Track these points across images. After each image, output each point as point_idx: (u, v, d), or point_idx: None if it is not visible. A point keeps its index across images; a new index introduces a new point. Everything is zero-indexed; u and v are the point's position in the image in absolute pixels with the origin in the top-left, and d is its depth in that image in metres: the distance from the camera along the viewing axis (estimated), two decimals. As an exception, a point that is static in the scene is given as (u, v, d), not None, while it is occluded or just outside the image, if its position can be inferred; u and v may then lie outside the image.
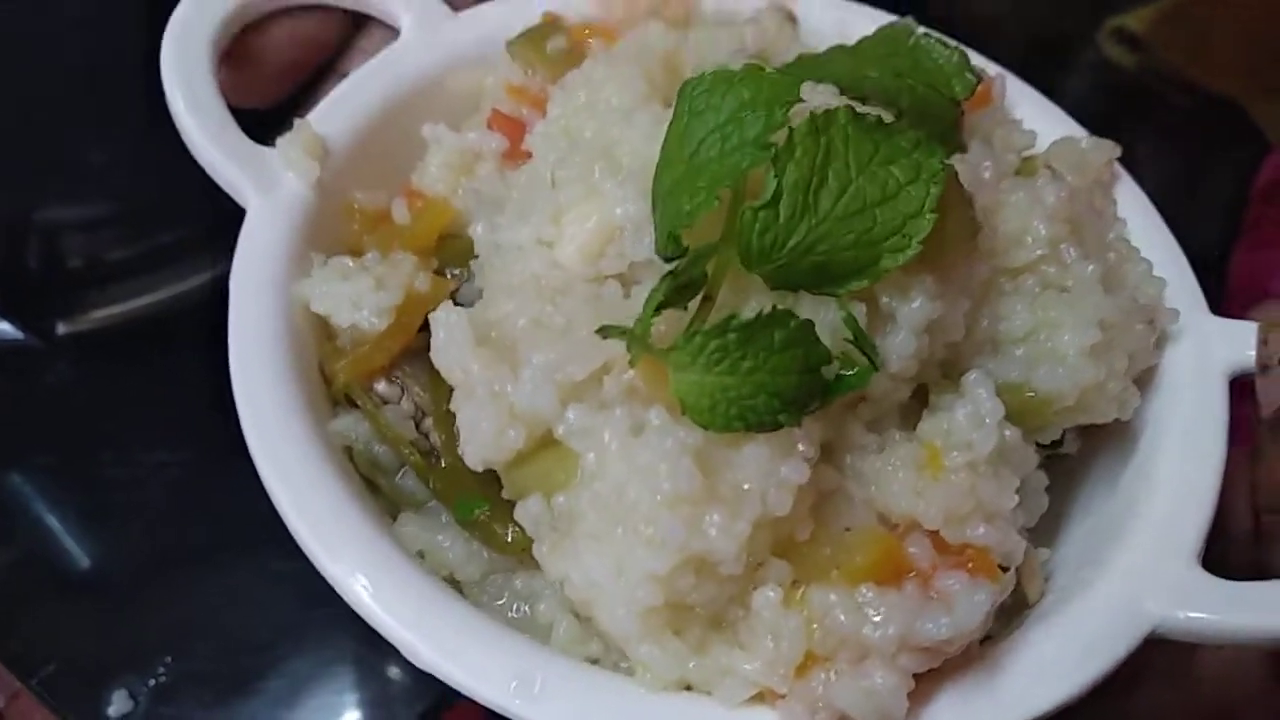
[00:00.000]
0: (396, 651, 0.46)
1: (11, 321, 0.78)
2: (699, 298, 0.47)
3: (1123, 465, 0.57)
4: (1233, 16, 1.30)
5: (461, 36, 0.68)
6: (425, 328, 0.57)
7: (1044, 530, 0.57)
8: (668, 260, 0.47)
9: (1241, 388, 0.59)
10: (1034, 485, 0.54)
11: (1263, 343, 0.58)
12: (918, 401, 0.52)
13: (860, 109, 0.53)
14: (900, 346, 0.48)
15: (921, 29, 0.70)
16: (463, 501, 0.50)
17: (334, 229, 0.61)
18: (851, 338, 0.47)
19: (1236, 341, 0.58)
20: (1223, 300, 1.02)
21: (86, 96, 0.74)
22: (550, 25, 0.67)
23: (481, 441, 0.46)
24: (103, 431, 0.77)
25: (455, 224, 0.62)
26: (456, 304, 0.58)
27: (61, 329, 0.79)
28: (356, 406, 0.55)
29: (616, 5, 0.70)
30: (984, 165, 0.57)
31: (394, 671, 0.72)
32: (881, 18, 0.73)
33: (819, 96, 0.54)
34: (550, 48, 0.66)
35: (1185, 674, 0.62)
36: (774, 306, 0.44)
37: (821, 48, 0.72)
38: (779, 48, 0.68)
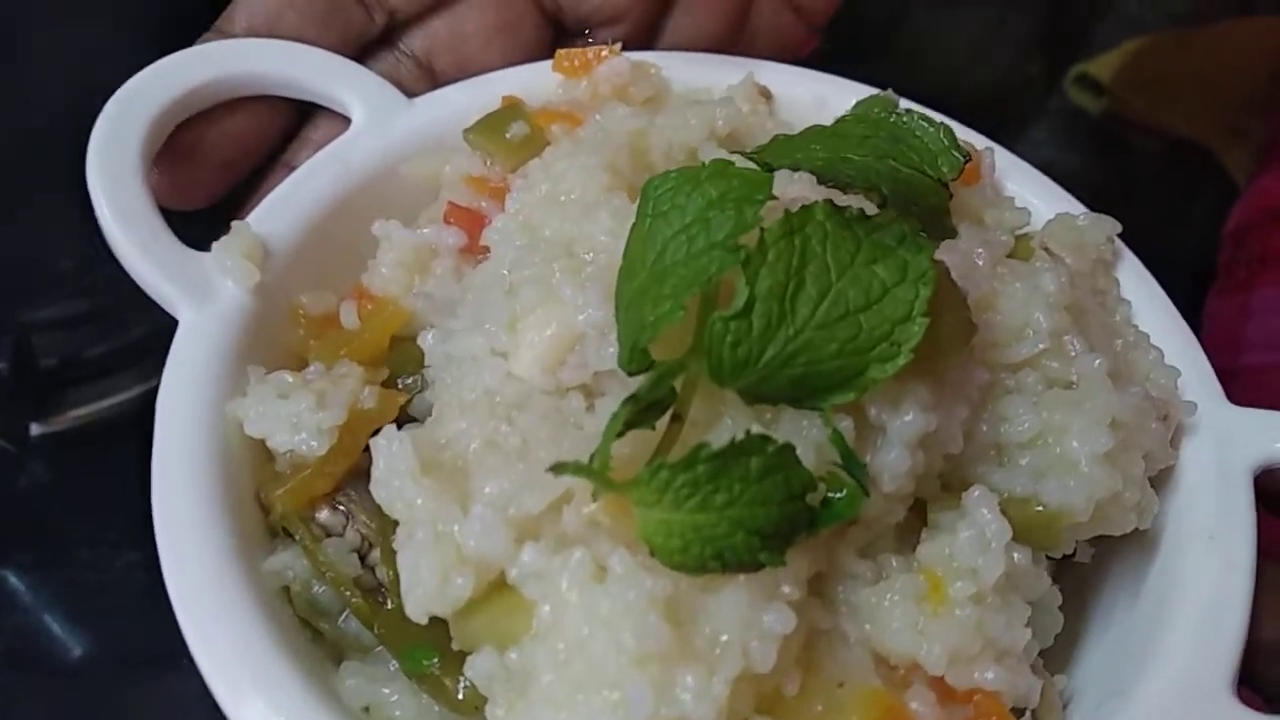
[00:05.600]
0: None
1: None
2: (668, 416, 0.42)
3: (1142, 574, 0.52)
4: (1195, 61, 1.31)
5: (417, 123, 0.64)
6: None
7: (1059, 650, 0.51)
8: (632, 375, 0.42)
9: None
10: (1047, 604, 0.48)
11: None
12: (917, 516, 0.47)
13: (840, 200, 0.49)
14: (893, 464, 0.43)
15: (904, 104, 0.67)
16: (410, 651, 0.45)
17: (277, 336, 0.56)
18: (839, 460, 0.42)
19: (1260, 433, 0.53)
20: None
21: (56, 194, 0.72)
22: (510, 110, 0.63)
23: (425, 590, 0.41)
24: (77, 531, 0.77)
25: (408, 327, 0.57)
26: (409, 418, 0.54)
27: (35, 430, 0.78)
28: (296, 539, 0.50)
29: (581, 87, 0.66)
30: (977, 252, 0.53)
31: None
32: (862, 90, 0.69)
33: (795, 188, 0.50)
34: (510, 135, 0.62)
35: None
36: (748, 432, 0.39)
37: (799, 126, 0.69)
38: (753, 129, 0.64)
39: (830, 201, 0.44)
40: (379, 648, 0.48)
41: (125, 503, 0.69)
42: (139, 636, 0.71)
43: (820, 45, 0.83)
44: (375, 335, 0.56)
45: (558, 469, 0.39)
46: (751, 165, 0.52)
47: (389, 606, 0.47)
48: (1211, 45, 1.32)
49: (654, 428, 0.42)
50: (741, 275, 0.41)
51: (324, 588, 0.48)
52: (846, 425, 0.43)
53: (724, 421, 0.43)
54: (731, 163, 0.45)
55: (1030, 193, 0.64)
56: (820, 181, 0.51)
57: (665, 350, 0.43)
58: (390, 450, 0.45)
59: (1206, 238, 1.18)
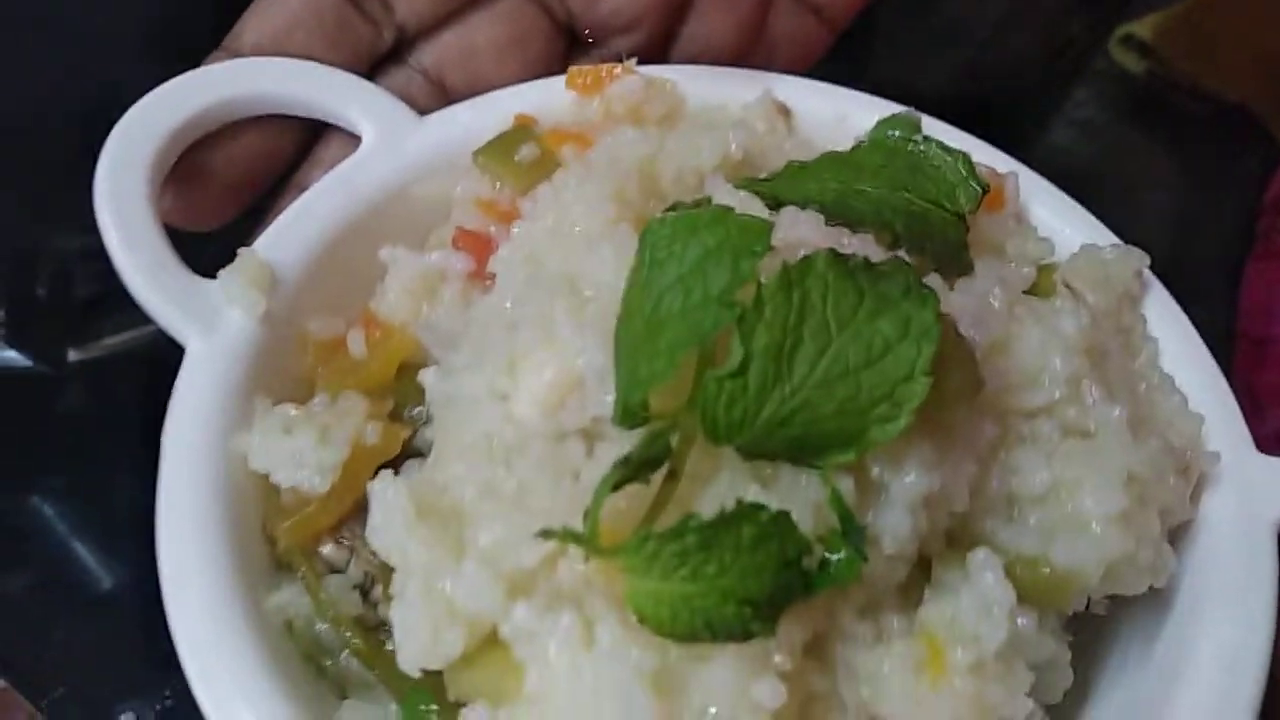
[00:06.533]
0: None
1: (22, 350, 0.78)
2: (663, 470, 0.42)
3: (1158, 629, 0.50)
4: (1243, 24, 1.26)
5: (428, 142, 0.63)
6: (376, 475, 0.52)
7: (1068, 705, 0.50)
8: (627, 429, 0.42)
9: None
10: (1057, 661, 0.47)
11: None
12: (921, 571, 0.46)
13: (848, 243, 0.48)
14: (894, 526, 0.42)
15: (924, 128, 0.65)
16: (409, 696, 0.45)
17: (285, 363, 0.56)
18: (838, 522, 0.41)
19: (1285, 484, 0.51)
20: (1236, 316, 0.96)
21: (94, 125, 0.73)
22: (520, 132, 0.62)
23: (417, 646, 0.41)
24: (113, 456, 0.76)
25: (416, 355, 0.57)
26: (414, 451, 0.53)
27: (73, 356, 0.80)
28: (299, 575, 0.50)
29: (593, 106, 0.65)
30: (993, 293, 0.51)
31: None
32: (884, 107, 0.67)
33: (800, 229, 0.48)
34: (519, 157, 0.61)
35: None
36: (739, 501, 0.38)
37: (818, 144, 0.67)
38: (768, 151, 0.62)
39: (833, 251, 0.42)
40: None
41: (159, 431, 0.77)
42: None
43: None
44: (382, 365, 0.55)
45: (546, 534, 0.38)
46: (758, 203, 0.51)
47: (390, 648, 0.47)
48: (1262, 7, 1.27)
49: (648, 483, 0.41)
50: (737, 331, 0.40)
51: (325, 626, 0.48)
52: (847, 484, 0.42)
53: (721, 477, 0.42)
54: (731, 209, 0.44)
55: (1056, 218, 0.62)
56: (829, 220, 0.50)
57: (663, 402, 0.42)
58: (387, 497, 0.44)
59: (1249, 204, 1.14)
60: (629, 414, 0.40)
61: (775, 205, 0.51)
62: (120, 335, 0.81)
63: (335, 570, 0.50)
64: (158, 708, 0.65)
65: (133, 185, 0.56)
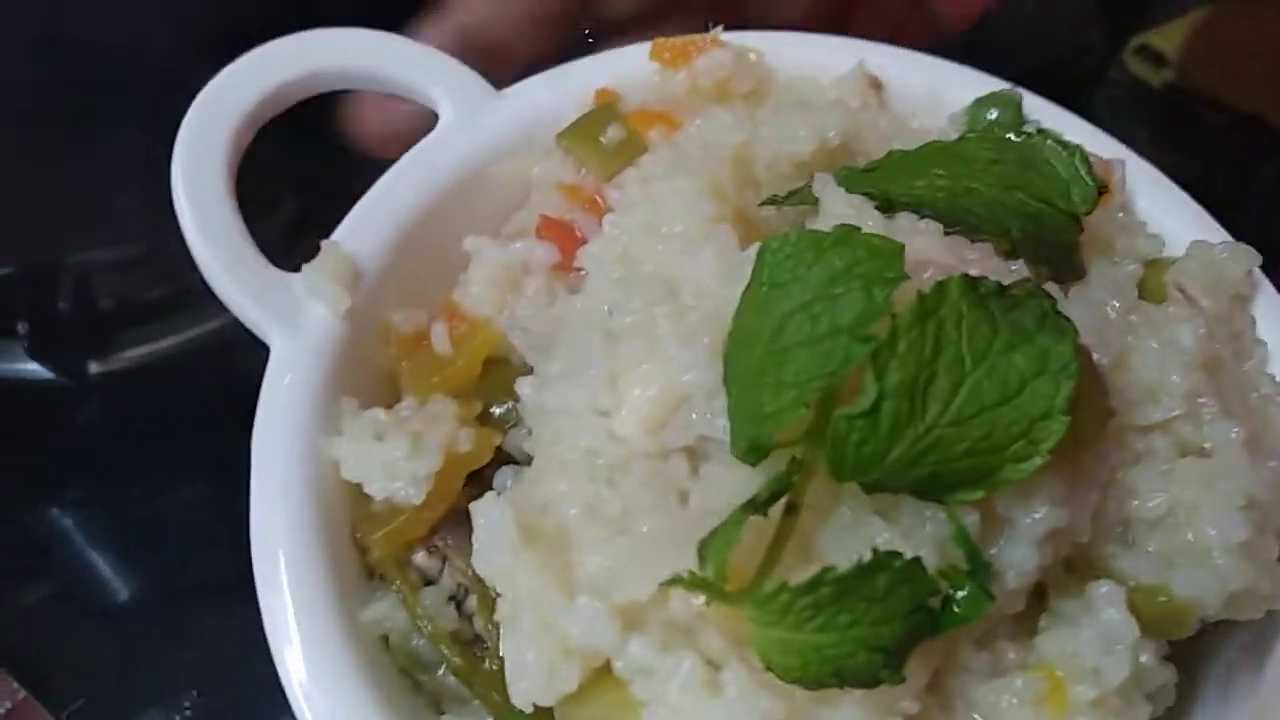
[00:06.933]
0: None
1: (44, 363, 0.77)
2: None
3: (1266, 654, 0.50)
4: (1261, 33, 1.22)
5: (505, 118, 0.61)
6: (469, 481, 0.51)
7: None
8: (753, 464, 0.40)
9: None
10: (1167, 685, 0.46)
11: None
12: (1035, 597, 0.45)
13: (966, 264, 0.46)
14: (1020, 562, 0.41)
15: (1028, 98, 0.62)
16: (508, 717, 0.45)
17: (369, 358, 0.55)
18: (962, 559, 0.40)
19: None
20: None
21: (116, 138, 0.75)
22: (605, 112, 0.60)
23: (531, 683, 0.41)
24: (132, 468, 0.78)
25: (502, 347, 0.55)
26: (505, 456, 0.52)
27: (94, 369, 0.79)
28: (394, 587, 0.49)
29: (677, 80, 0.62)
30: (1111, 305, 0.49)
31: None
32: (980, 80, 0.64)
33: (921, 241, 0.46)
34: (606, 139, 0.58)
35: None
36: (874, 550, 0.37)
37: (911, 119, 0.64)
38: (864, 132, 0.59)
39: (966, 277, 0.40)
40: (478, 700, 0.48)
41: (178, 442, 0.76)
42: (193, 574, 0.72)
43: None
44: (468, 363, 0.54)
45: (670, 583, 0.37)
46: (870, 206, 0.48)
47: (487, 664, 0.47)
48: (1277, 19, 1.22)
49: (766, 515, 0.40)
50: (870, 368, 0.38)
51: (422, 640, 0.48)
52: (972, 520, 0.40)
53: (841, 510, 0.41)
54: (857, 229, 0.41)
55: (1162, 210, 0.59)
56: (946, 228, 0.47)
57: (782, 433, 0.41)
58: (491, 521, 0.44)
59: (1270, 217, 1.12)
60: (754, 451, 0.39)
61: (886, 206, 0.49)
62: (141, 348, 0.80)
63: (428, 580, 0.49)
64: (177, 718, 0.65)
65: (210, 172, 0.54)
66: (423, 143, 0.59)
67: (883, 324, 0.39)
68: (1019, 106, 0.62)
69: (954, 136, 0.63)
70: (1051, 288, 0.49)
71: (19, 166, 0.75)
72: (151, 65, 0.73)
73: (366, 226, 0.56)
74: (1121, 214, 0.58)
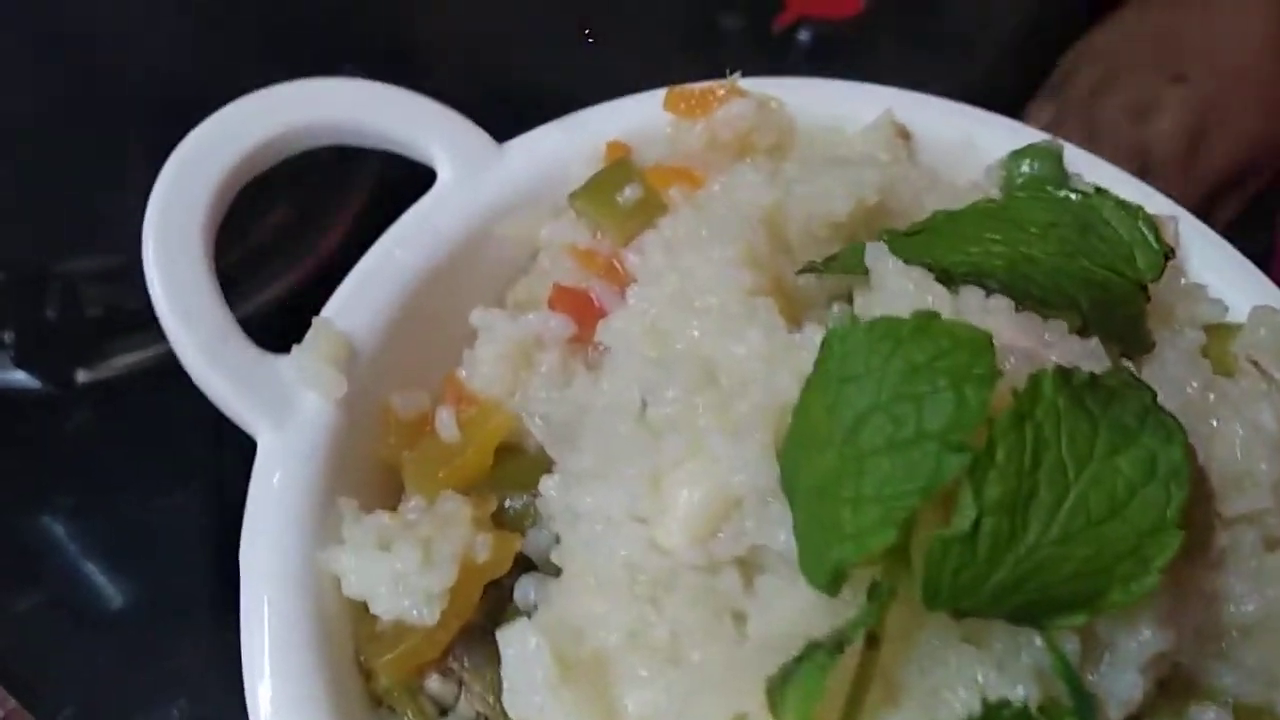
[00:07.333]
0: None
1: (31, 371, 0.76)
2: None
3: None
4: None
5: (509, 173, 0.56)
6: (485, 590, 0.46)
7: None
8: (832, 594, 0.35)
9: None
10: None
11: None
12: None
13: (1046, 347, 0.41)
14: (1124, 690, 0.36)
15: (1067, 151, 0.59)
16: None
17: (366, 447, 0.49)
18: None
19: None
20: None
21: (102, 146, 0.75)
22: (620, 169, 0.54)
23: None
24: (123, 476, 0.77)
25: (515, 432, 0.50)
26: (526, 562, 0.47)
27: (82, 377, 0.78)
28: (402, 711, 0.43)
29: (695, 133, 0.57)
30: (1190, 384, 0.45)
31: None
32: (1016, 130, 0.60)
33: (993, 320, 0.42)
34: (622, 200, 0.53)
35: None
36: (984, 701, 0.32)
37: (944, 172, 0.60)
38: (899, 188, 0.55)
39: (1060, 370, 0.36)
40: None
41: (169, 450, 0.75)
42: (181, 584, 0.71)
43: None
44: (479, 453, 0.48)
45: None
46: (930, 278, 0.44)
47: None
48: None
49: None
50: (967, 482, 0.34)
51: (440, 780, 0.42)
52: (1072, 646, 0.36)
53: (926, 638, 0.36)
54: (936, 315, 0.37)
55: (1213, 270, 0.55)
56: (1016, 303, 0.43)
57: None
58: (523, 653, 0.38)
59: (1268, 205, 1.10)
60: (834, 579, 0.34)
61: (945, 278, 0.44)
62: (129, 355, 0.78)
63: (443, 710, 0.44)
64: None
65: (186, 241, 0.48)
66: (420, 203, 0.54)
67: (979, 435, 0.34)
68: (1060, 158, 0.58)
69: (992, 191, 0.59)
70: (1125, 366, 0.45)
71: (4, 172, 0.75)
72: (142, 70, 0.72)
73: (361, 299, 0.50)
74: (1181, 279, 0.54)
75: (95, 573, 0.73)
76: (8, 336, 0.76)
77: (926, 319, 0.37)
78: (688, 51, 0.94)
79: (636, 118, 0.58)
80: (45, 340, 0.77)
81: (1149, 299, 0.48)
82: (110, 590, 0.72)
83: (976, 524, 0.33)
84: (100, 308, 0.78)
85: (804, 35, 0.96)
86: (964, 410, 0.34)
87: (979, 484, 0.34)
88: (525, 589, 0.45)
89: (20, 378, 0.76)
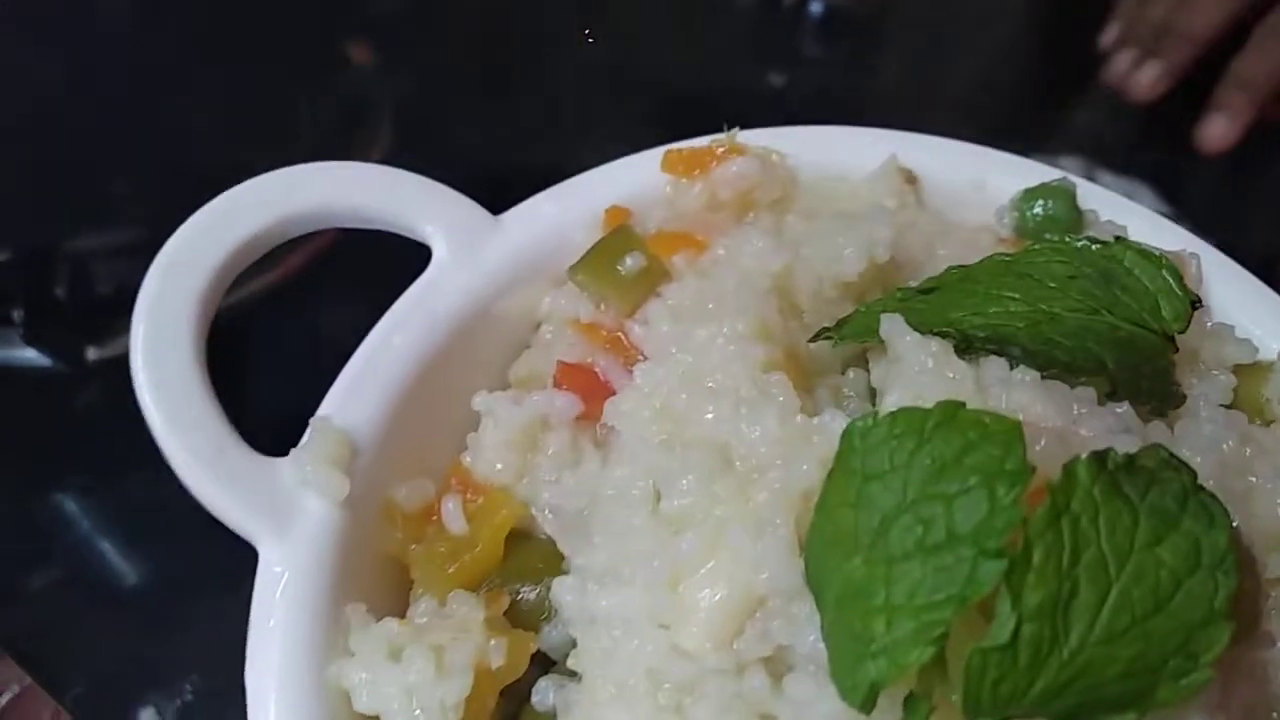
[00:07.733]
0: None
1: (42, 349, 0.78)
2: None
3: None
4: None
5: (507, 247, 0.54)
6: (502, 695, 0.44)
7: None
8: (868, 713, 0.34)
9: None
10: None
11: None
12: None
13: (1075, 421, 0.39)
14: (1177, 789, 0.35)
15: (1082, 186, 0.57)
16: None
17: (371, 546, 0.47)
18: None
19: None
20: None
21: (112, 125, 0.76)
22: (620, 238, 0.53)
23: None
24: (135, 453, 0.78)
25: (524, 519, 0.48)
26: (543, 661, 0.45)
27: (92, 355, 0.79)
28: (423, 830, 0.42)
29: (694, 193, 0.56)
30: (1226, 441, 0.43)
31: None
32: (1024, 168, 0.59)
33: (1018, 395, 0.40)
34: (624, 270, 0.52)
35: None
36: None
37: (952, 216, 0.58)
38: (907, 232, 0.53)
39: (1095, 456, 0.34)
40: None
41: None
42: (192, 560, 0.69)
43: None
44: (488, 545, 0.47)
45: None
46: (948, 348, 0.42)
47: None
48: None
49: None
50: (1004, 589, 0.32)
51: None
52: (1123, 745, 0.34)
53: (967, 744, 0.34)
54: (962, 405, 0.35)
55: (1239, 306, 0.53)
56: (1042, 373, 0.41)
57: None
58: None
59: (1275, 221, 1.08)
60: (869, 697, 0.32)
61: (964, 345, 0.43)
62: None
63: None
64: (178, 702, 0.65)
65: (177, 344, 0.47)
66: (416, 285, 0.52)
67: (1015, 538, 0.32)
68: (1073, 197, 0.56)
69: (1004, 233, 0.57)
70: (1158, 429, 0.43)
71: (14, 151, 0.77)
72: (150, 51, 0.74)
73: (360, 392, 0.49)
74: (1205, 319, 0.52)
75: (107, 550, 0.73)
76: (17, 314, 0.77)
77: (952, 409, 0.35)
78: (699, 24, 0.94)
79: (634, 181, 0.56)
80: (55, 318, 0.78)
81: (1177, 350, 0.46)
82: (122, 567, 0.73)
83: (1016, 632, 0.32)
84: (110, 285, 0.80)
85: (815, 7, 0.98)
86: (997, 511, 0.32)
87: (1016, 589, 0.32)
88: (544, 693, 0.43)
89: (31, 355, 0.77)
